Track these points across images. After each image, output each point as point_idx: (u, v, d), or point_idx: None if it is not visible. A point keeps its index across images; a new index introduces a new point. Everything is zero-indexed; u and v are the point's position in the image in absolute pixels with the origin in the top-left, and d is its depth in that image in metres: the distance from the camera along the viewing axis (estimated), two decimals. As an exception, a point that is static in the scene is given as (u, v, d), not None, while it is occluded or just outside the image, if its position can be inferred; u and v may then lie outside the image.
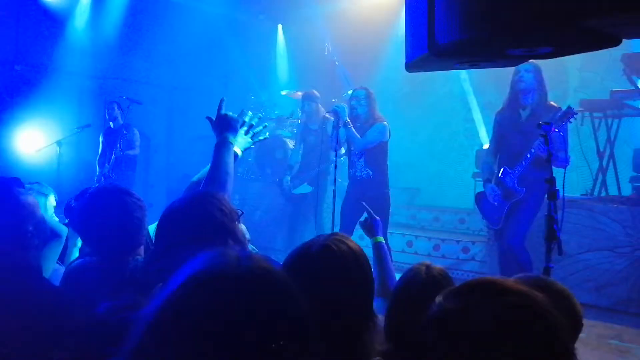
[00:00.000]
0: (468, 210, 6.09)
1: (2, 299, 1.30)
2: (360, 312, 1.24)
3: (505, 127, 3.65)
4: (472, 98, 7.06)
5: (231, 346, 0.67)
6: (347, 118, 4.31)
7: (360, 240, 4.37)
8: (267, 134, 2.19)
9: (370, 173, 4.28)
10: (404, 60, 1.53)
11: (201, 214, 1.38)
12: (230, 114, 1.98)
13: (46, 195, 2.41)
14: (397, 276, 1.58)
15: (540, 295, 0.82)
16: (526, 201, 3.47)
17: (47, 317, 1.29)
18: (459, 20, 1.16)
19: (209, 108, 2.19)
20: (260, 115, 2.14)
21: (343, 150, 4.76)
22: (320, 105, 5.44)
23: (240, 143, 2.01)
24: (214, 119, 1.97)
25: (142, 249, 1.60)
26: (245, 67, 7.79)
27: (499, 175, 3.60)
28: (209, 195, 1.48)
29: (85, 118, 6.25)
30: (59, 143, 5.87)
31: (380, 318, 1.32)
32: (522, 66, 3.36)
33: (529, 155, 3.32)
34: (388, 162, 4.42)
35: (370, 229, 2.21)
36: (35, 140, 6.10)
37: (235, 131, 1.95)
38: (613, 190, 4.93)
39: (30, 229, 1.42)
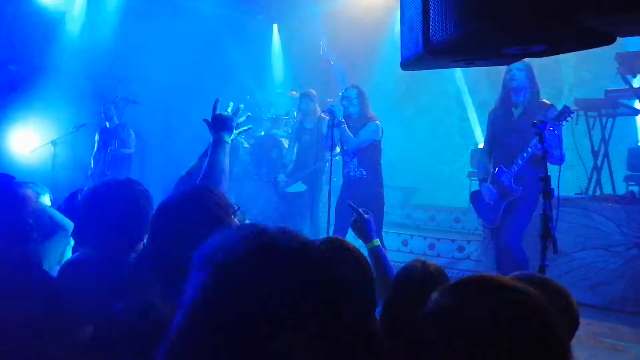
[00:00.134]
0: (463, 209, 6.10)
1: (1, 295, 1.29)
2: (363, 314, 1.24)
3: (499, 126, 3.66)
4: (467, 97, 7.08)
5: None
6: (342, 118, 4.31)
7: (355, 240, 4.38)
8: (250, 126, 2.22)
9: (364, 172, 4.28)
10: (399, 60, 1.54)
11: (197, 207, 1.39)
12: (225, 113, 2.01)
13: (41, 195, 2.40)
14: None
15: (536, 292, 0.82)
16: (523, 200, 3.48)
17: (48, 313, 1.28)
18: (454, 18, 1.16)
19: (205, 107, 2.20)
20: (242, 105, 2.14)
21: (338, 150, 4.77)
22: (316, 105, 5.44)
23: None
24: (209, 120, 2.01)
25: (141, 245, 1.59)
26: (241, 66, 7.78)
27: (495, 174, 3.61)
28: (205, 189, 1.48)
29: (80, 118, 6.23)
30: (53, 143, 5.84)
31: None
32: (514, 65, 3.37)
33: (525, 154, 3.33)
34: (382, 161, 4.43)
35: (362, 230, 2.09)
36: (30, 140, 6.07)
37: (230, 130, 1.98)
38: (607, 189, 4.95)
39: (30, 222, 1.41)
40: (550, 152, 3.01)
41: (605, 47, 1.19)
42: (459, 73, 7.07)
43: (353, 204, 2.25)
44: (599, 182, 4.94)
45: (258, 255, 0.73)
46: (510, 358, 0.75)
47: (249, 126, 2.19)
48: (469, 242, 5.30)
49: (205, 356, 0.70)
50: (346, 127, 4.28)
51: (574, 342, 1.03)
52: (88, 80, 6.68)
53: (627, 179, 5.04)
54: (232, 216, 1.45)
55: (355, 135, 4.27)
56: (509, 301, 0.79)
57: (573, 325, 1.28)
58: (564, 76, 6.53)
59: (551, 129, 2.96)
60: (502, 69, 3.61)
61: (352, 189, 4.31)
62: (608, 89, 4.92)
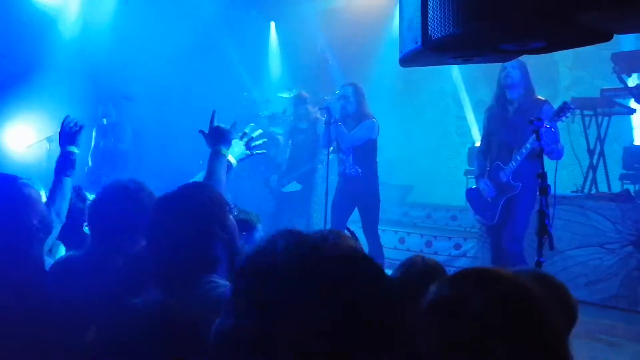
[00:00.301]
0: (460, 207, 6.12)
1: (7, 294, 1.28)
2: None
3: (495, 123, 3.68)
4: (465, 96, 7.09)
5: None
6: (338, 115, 4.31)
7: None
8: (264, 150, 2.27)
9: (360, 170, 4.28)
10: (397, 58, 1.54)
11: (192, 201, 1.39)
12: (223, 125, 2.03)
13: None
14: (388, 272, 1.58)
15: (534, 285, 0.82)
16: (522, 197, 3.48)
17: (54, 312, 1.28)
18: (453, 15, 1.17)
19: (202, 105, 2.20)
20: (260, 131, 2.19)
21: (331, 149, 4.78)
22: (310, 106, 5.47)
23: (236, 152, 2.10)
24: (206, 131, 2.03)
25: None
26: (238, 64, 7.76)
27: (492, 171, 3.62)
28: (200, 185, 1.49)
29: (76, 114, 6.17)
30: (49, 139, 5.81)
31: None
32: (509, 63, 3.41)
33: (524, 150, 3.35)
34: (380, 159, 4.43)
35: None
36: (25, 137, 6.04)
37: (227, 143, 2.01)
38: (603, 188, 4.98)
39: (35, 222, 1.41)
40: (550, 149, 3.04)
41: (602, 47, 1.20)
42: (456, 72, 7.08)
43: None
44: (594, 180, 4.96)
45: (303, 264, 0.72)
46: (509, 350, 0.75)
47: (264, 150, 2.24)
48: (465, 239, 5.31)
49: None
50: (342, 125, 4.28)
51: (569, 338, 1.04)
52: (84, 76, 6.64)
53: (622, 177, 5.07)
54: (227, 213, 1.46)
55: (351, 132, 4.27)
56: (507, 294, 0.80)
57: (571, 321, 1.29)
58: (561, 76, 6.55)
59: (548, 126, 2.98)
60: (499, 67, 3.63)
61: (348, 187, 4.32)
62: (604, 88, 4.94)
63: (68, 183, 2.02)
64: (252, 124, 2.18)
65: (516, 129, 3.42)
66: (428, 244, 5.54)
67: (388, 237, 5.54)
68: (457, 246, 5.33)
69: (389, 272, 1.64)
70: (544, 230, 2.40)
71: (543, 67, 6.18)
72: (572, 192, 4.91)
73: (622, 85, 4.76)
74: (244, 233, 2.01)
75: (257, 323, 0.70)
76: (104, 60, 6.70)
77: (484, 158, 3.80)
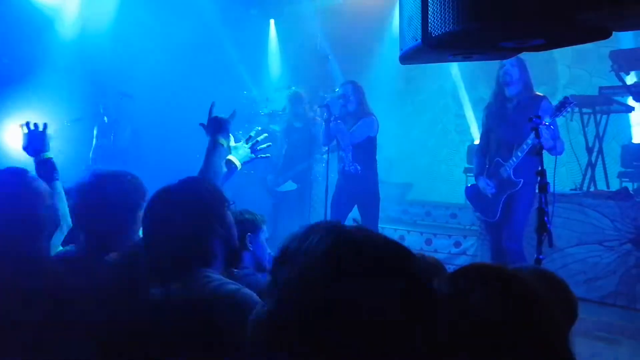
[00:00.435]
0: (460, 205, 6.12)
1: (12, 287, 1.29)
2: None
3: (494, 121, 3.69)
4: (464, 94, 7.09)
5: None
6: (337, 113, 4.31)
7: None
8: (269, 155, 2.27)
9: (359, 168, 4.29)
10: (397, 56, 1.55)
11: (191, 195, 1.40)
12: (221, 116, 2.03)
13: None
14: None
15: (535, 282, 0.82)
16: (522, 194, 3.49)
17: (60, 308, 1.28)
18: (453, 12, 1.17)
19: (202, 103, 2.21)
20: (266, 135, 2.20)
21: (325, 149, 4.79)
22: (306, 106, 5.48)
23: (240, 155, 2.11)
24: (205, 123, 2.03)
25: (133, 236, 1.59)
26: (238, 61, 7.75)
27: (492, 168, 3.63)
28: (200, 179, 1.49)
29: (76, 111, 6.20)
30: (48, 137, 5.81)
31: None
32: (507, 60, 3.42)
33: (525, 146, 3.36)
34: (379, 157, 4.43)
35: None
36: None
37: (226, 132, 2.01)
38: (601, 185, 4.99)
39: (43, 214, 1.41)
40: (550, 145, 3.05)
41: (600, 45, 1.21)
42: (455, 70, 7.09)
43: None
44: (593, 178, 4.98)
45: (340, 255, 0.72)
46: (510, 347, 0.75)
47: (268, 154, 2.25)
48: (465, 237, 5.33)
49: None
50: (341, 122, 4.28)
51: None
52: (83, 74, 6.63)
53: (621, 175, 5.09)
54: (226, 209, 1.46)
55: (350, 130, 4.27)
56: (508, 290, 0.79)
57: (571, 318, 1.29)
58: (559, 74, 6.56)
59: (546, 123, 2.99)
60: (498, 65, 3.64)
61: (347, 184, 4.32)
62: (602, 86, 4.95)
63: (59, 186, 1.98)
64: (259, 127, 2.20)
65: (515, 125, 3.43)
66: (428, 241, 5.55)
67: (388, 235, 5.53)
68: (457, 244, 5.34)
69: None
70: (543, 227, 2.41)
71: (542, 64, 6.20)
72: (571, 189, 4.92)
73: (620, 83, 4.76)
74: (249, 234, 2.02)
75: (297, 310, 0.70)
76: (103, 59, 6.69)
77: (482, 156, 3.80)
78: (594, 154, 4.98)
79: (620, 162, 5.16)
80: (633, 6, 0.99)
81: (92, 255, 1.47)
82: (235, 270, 1.68)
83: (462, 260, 5.22)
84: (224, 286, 1.28)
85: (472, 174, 4.32)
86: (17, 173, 1.46)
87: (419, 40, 1.27)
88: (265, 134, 2.22)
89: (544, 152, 2.87)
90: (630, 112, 5.08)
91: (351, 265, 0.71)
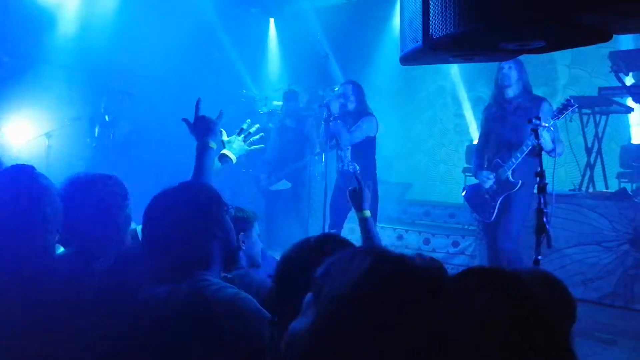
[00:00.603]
0: (458, 204, 6.13)
1: (15, 284, 1.29)
2: None
3: (493, 122, 3.70)
4: (463, 94, 7.10)
5: None
6: (337, 112, 4.31)
7: (350, 234, 4.41)
8: (262, 145, 2.24)
9: (357, 167, 4.29)
10: (397, 56, 1.55)
11: (191, 199, 1.40)
12: (208, 116, 1.96)
13: None
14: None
15: (536, 284, 0.82)
16: (519, 196, 3.49)
17: (65, 305, 1.28)
18: (454, 14, 1.18)
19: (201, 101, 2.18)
20: (258, 125, 2.17)
21: (317, 150, 4.80)
22: (300, 104, 5.50)
23: (235, 149, 2.07)
24: (191, 121, 1.96)
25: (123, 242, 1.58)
26: (237, 60, 7.75)
27: (491, 168, 3.63)
28: (199, 184, 1.49)
29: (75, 110, 6.19)
30: (48, 135, 5.81)
31: None
32: (505, 62, 3.44)
33: (525, 148, 3.37)
34: (378, 157, 4.43)
35: (359, 200, 2.05)
36: (24, 132, 6.03)
37: (214, 135, 1.94)
38: (600, 186, 5.00)
39: (48, 213, 1.41)
40: (550, 147, 3.06)
41: (600, 45, 1.21)
42: (454, 70, 7.09)
43: (357, 175, 2.29)
44: (592, 178, 4.99)
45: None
46: (511, 350, 0.75)
47: (262, 145, 2.22)
48: (463, 237, 5.34)
49: None
50: (341, 122, 4.28)
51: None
52: (83, 72, 6.63)
53: (620, 175, 5.10)
54: (225, 213, 1.46)
55: (350, 129, 4.27)
56: (507, 293, 0.79)
57: (571, 319, 1.30)
58: (559, 74, 6.57)
59: (546, 125, 3.00)
60: (497, 66, 3.65)
61: (346, 184, 4.31)
62: (601, 86, 4.96)
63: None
64: (249, 120, 2.16)
65: (515, 127, 3.44)
66: (426, 241, 5.56)
67: (386, 235, 5.56)
68: (455, 244, 5.35)
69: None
70: (542, 228, 2.42)
71: (541, 65, 6.21)
72: (570, 190, 4.93)
73: (619, 84, 4.77)
74: (242, 232, 2.01)
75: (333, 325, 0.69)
76: (103, 56, 6.68)
77: (481, 155, 3.81)
78: (593, 154, 4.99)
79: (619, 162, 5.17)
80: (634, 9, 0.99)
81: (78, 260, 1.47)
82: (229, 273, 1.67)
83: (461, 260, 5.24)
84: (223, 290, 1.28)
85: (470, 174, 4.33)
86: (24, 169, 1.46)
87: (420, 42, 1.27)
88: (257, 125, 2.18)
89: (543, 153, 2.88)
90: (630, 112, 5.09)
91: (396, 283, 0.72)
